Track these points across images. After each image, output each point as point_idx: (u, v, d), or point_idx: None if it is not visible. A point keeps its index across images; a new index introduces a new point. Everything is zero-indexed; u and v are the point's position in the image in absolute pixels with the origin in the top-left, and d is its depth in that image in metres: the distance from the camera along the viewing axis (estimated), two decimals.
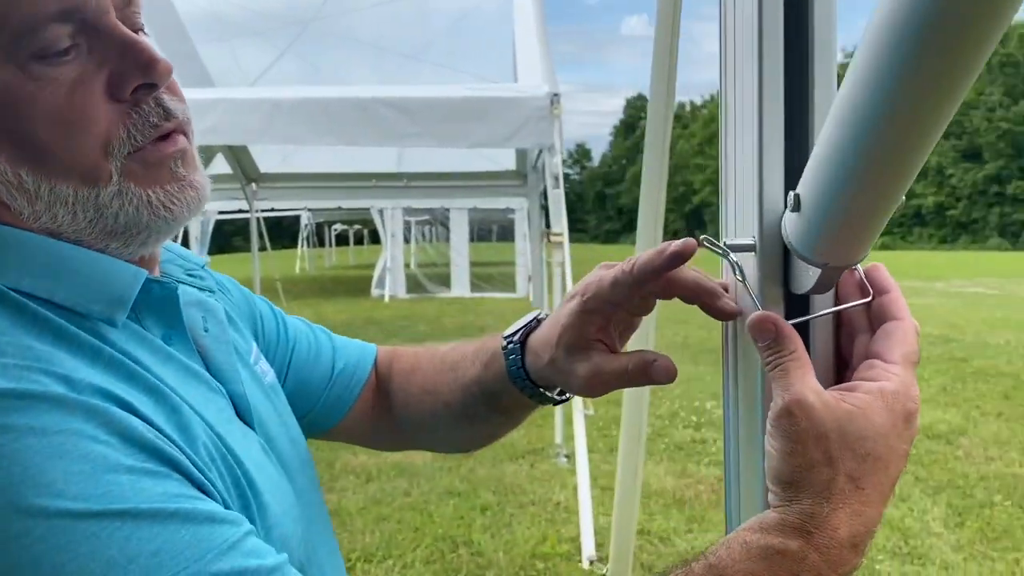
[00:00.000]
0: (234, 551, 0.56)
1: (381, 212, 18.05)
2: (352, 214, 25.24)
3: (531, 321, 0.87)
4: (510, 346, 0.86)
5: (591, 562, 3.80)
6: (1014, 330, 10.61)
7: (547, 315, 0.85)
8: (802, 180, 0.53)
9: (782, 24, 0.57)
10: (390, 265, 17.39)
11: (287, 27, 7.08)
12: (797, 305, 0.62)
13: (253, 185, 9.04)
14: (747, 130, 0.60)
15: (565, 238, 4.76)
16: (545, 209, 8.81)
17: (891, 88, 0.40)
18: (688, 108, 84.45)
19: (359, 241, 36.71)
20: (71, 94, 0.63)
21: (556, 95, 4.95)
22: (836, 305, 0.61)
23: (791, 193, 0.54)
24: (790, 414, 0.56)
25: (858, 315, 0.63)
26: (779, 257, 0.60)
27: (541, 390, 0.86)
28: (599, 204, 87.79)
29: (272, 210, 17.49)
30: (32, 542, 0.51)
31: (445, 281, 18.14)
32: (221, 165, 8.07)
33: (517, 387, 0.86)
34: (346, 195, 11.59)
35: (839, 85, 0.47)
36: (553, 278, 5.35)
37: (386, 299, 16.52)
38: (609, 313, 0.77)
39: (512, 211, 17.65)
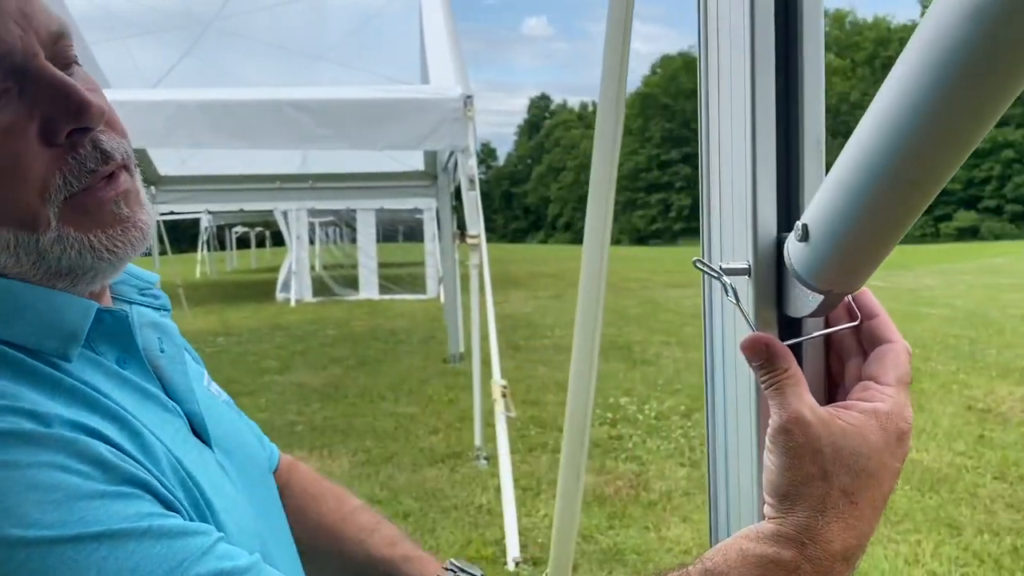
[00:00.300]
0: (208, 556, 0.58)
1: (285, 214, 17.69)
2: (253, 216, 24.65)
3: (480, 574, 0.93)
4: (448, 572, 0.93)
5: (516, 563, 3.81)
6: (901, 320, 11.14)
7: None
8: (809, 210, 0.54)
9: (774, 59, 0.59)
10: (295, 268, 17.04)
11: (187, 27, 6.85)
12: (789, 327, 0.63)
13: (152, 188, 8.72)
14: (739, 157, 0.61)
15: (482, 240, 4.77)
16: (456, 210, 8.83)
17: (912, 131, 0.42)
18: (591, 108, 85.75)
19: (261, 244, 35.84)
20: (4, 142, 0.63)
21: (469, 97, 4.96)
22: (826, 327, 0.63)
23: (798, 223, 0.55)
24: (787, 431, 0.58)
25: (848, 338, 0.65)
26: (773, 280, 0.61)
27: None
28: (506, 203, 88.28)
29: (171, 213, 16.93)
30: (12, 570, 0.53)
31: (352, 283, 17.90)
32: None
33: None
34: (250, 197, 11.34)
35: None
36: (469, 279, 5.35)
37: (292, 303, 16.18)
38: None
39: (420, 211, 17.55)
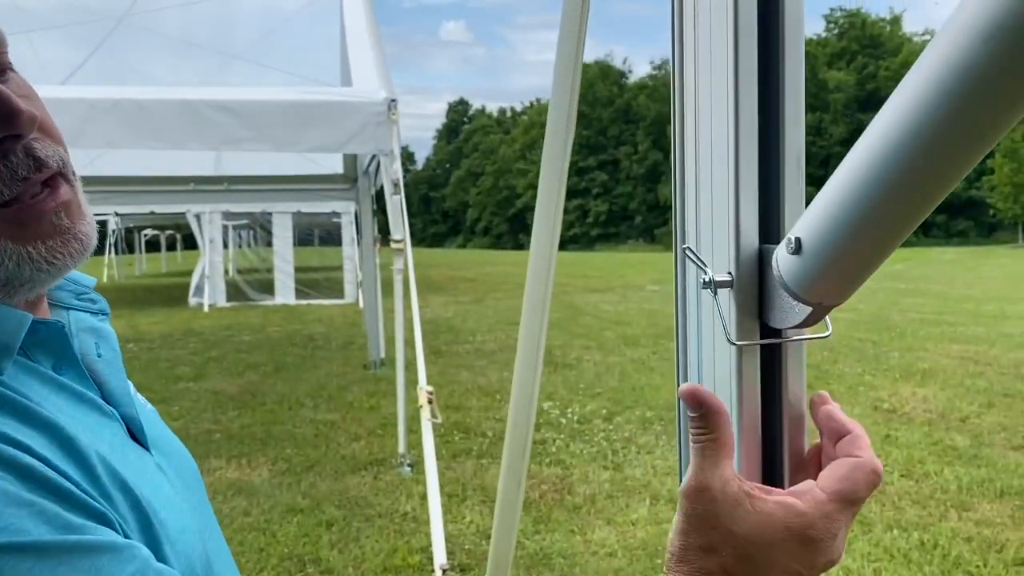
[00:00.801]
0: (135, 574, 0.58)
1: (198, 216, 17.22)
2: (164, 218, 23.93)
3: None
4: None
5: (444, 571, 3.78)
6: None
7: None
8: (802, 223, 0.55)
9: (756, 78, 0.60)
10: (209, 272, 16.62)
11: (97, 22, 6.59)
12: (769, 336, 0.64)
13: None
14: (719, 171, 0.62)
15: (407, 244, 4.73)
16: (377, 214, 8.74)
17: (916, 149, 0.43)
18: (509, 114, 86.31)
19: (172, 247, 34.77)
20: None
21: (393, 100, 4.92)
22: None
23: (790, 236, 0.56)
24: (690, 496, 0.59)
25: (827, 438, 0.65)
26: (755, 291, 0.62)
27: None
28: (424, 207, 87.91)
29: None
30: None
31: (268, 288, 17.54)
32: None
33: None
34: (162, 199, 10.97)
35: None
36: (390, 284, 5.30)
37: (205, 308, 15.77)
38: None
39: (338, 215, 17.34)
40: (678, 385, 0.69)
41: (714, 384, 0.65)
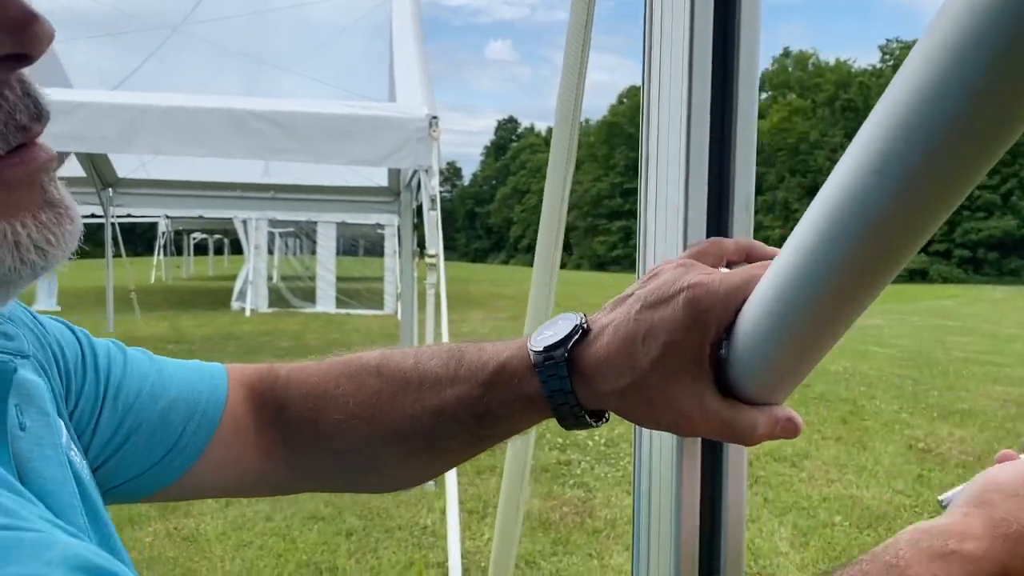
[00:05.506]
0: None
1: (245, 222, 17.54)
2: (213, 223, 24.39)
3: (575, 330, 0.61)
4: (548, 363, 0.61)
5: None
6: (850, 358, 11.35)
7: (589, 324, 0.62)
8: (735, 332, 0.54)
9: (708, 122, 0.62)
10: (252, 278, 16.89)
11: (152, 31, 6.78)
12: None
13: (109, 190, 8.61)
14: (672, 213, 0.64)
15: (440, 260, 4.78)
16: (418, 227, 8.83)
17: (820, 279, 0.44)
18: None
19: (219, 251, 35.38)
20: None
21: (435, 118, 4.98)
22: None
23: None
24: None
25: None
26: None
27: (586, 416, 0.63)
28: (469, 222, 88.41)
29: (128, 216, 16.69)
30: None
31: (309, 296, 17.78)
32: (72, 167, 7.66)
33: (560, 414, 0.62)
34: (210, 204, 11.21)
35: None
36: (426, 297, 5.35)
37: (247, 313, 16.02)
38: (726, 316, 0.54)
39: (382, 227, 17.53)
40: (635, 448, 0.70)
41: (660, 464, 0.67)
